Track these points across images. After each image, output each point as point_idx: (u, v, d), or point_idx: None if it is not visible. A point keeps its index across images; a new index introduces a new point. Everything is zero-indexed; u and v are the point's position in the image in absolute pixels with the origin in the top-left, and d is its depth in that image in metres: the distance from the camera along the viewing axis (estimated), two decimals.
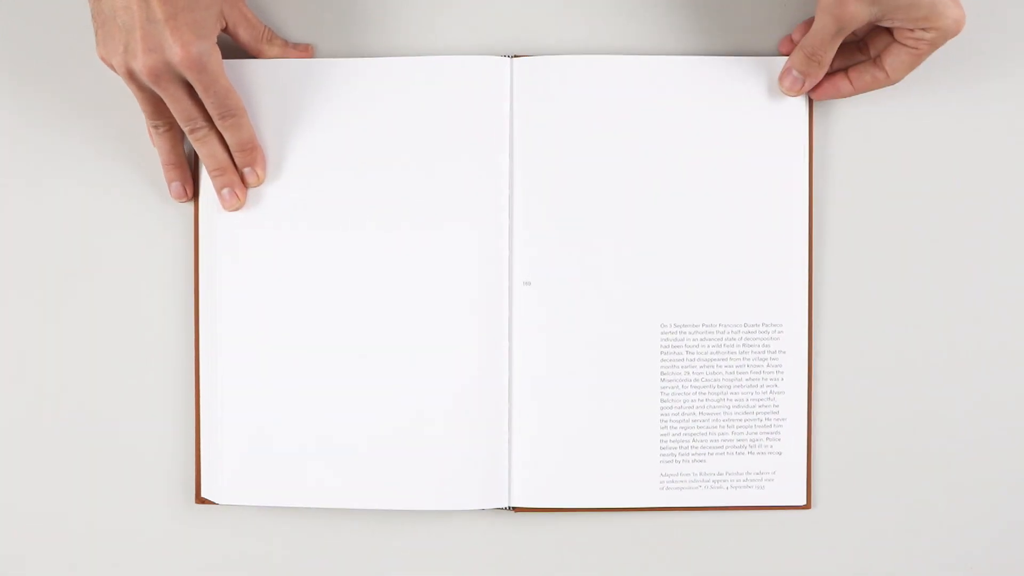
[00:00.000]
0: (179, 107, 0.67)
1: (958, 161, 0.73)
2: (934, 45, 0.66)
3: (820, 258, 0.72)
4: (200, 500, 0.72)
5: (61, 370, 0.73)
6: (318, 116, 0.71)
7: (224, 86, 0.67)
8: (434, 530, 0.73)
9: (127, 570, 0.74)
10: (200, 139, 0.69)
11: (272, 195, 0.71)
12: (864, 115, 0.72)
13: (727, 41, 0.72)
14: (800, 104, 0.71)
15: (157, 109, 0.68)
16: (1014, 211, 0.73)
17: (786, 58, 0.70)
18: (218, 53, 0.66)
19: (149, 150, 0.73)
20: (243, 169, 0.70)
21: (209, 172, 0.70)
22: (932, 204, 0.73)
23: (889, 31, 0.67)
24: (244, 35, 0.70)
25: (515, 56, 0.71)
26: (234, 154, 0.69)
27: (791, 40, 0.71)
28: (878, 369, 0.73)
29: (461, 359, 0.71)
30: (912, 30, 0.65)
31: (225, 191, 0.70)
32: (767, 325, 0.71)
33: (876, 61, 0.68)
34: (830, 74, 0.70)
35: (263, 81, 0.71)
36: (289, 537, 0.73)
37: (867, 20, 0.65)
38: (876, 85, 0.69)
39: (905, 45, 0.66)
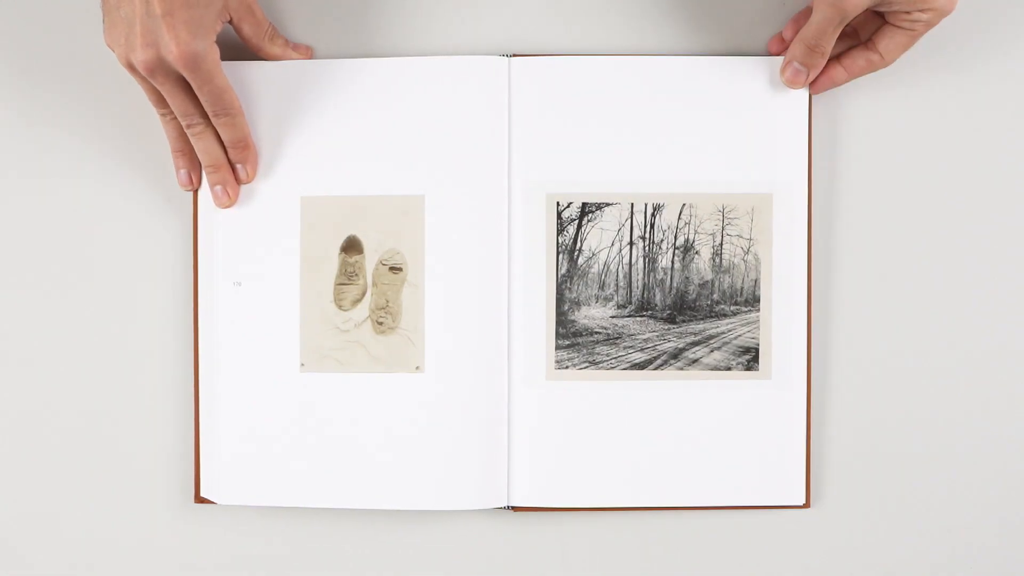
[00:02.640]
0: (176, 102, 0.67)
1: (960, 158, 0.72)
2: (929, 25, 0.66)
3: (819, 257, 0.72)
4: (199, 499, 0.72)
5: (61, 370, 0.73)
6: (317, 116, 0.71)
7: (219, 84, 0.67)
8: (434, 530, 0.73)
9: (126, 569, 0.74)
10: (196, 135, 0.69)
11: (271, 194, 0.71)
12: (864, 115, 0.72)
13: (725, 41, 0.72)
14: (800, 103, 0.71)
15: (161, 98, 0.68)
16: (1015, 207, 0.72)
17: (781, 57, 0.70)
18: (215, 52, 0.66)
19: (149, 149, 0.73)
20: (235, 165, 0.70)
21: (204, 168, 0.70)
22: (932, 202, 0.72)
23: (881, 14, 0.67)
24: (248, 30, 0.70)
25: (513, 56, 0.71)
26: (228, 151, 0.70)
27: (782, 38, 0.71)
28: (878, 369, 0.72)
29: (461, 358, 0.71)
30: (909, 12, 0.65)
31: (218, 188, 0.71)
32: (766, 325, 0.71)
33: (869, 44, 0.68)
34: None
35: (263, 82, 0.71)
36: (288, 536, 0.73)
37: (868, 6, 0.65)
38: (871, 68, 0.69)
39: (900, 27, 0.66)
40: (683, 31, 0.72)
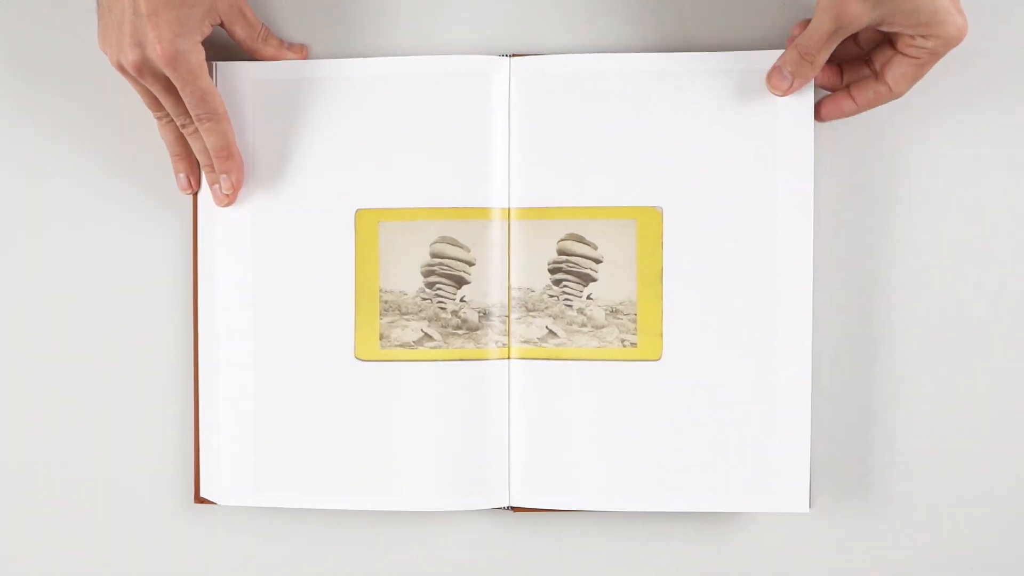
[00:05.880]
0: (168, 102, 0.67)
1: (963, 168, 0.72)
2: (935, 55, 0.64)
3: (822, 258, 0.72)
4: (199, 500, 0.72)
5: (61, 370, 0.73)
6: (314, 117, 0.71)
7: (202, 87, 0.66)
8: (434, 530, 0.73)
9: (126, 570, 0.74)
10: (191, 134, 0.69)
11: (270, 194, 0.71)
12: (872, 111, 0.72)
13: (727, 38, 0.71)
14: (805, 100, 0.70)
15: (155, 101, 0.68)
16: (1014, 218, 0.72)
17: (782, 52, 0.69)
18: (200, 52, 0.66)
19: (149, 148, 0.72)
20: (219, 176, 0.70)
21: (203, 167, 0.70)
22: (935, 209, 0.72)
23: (892, 43, 0.66)
24: (240, 32, 0.70)
25: (513, 55, 0.71)
26: (212, 159, 0.69)
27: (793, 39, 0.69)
28: (879, 371, 0.72)
29: (460, 359, 0.71)
30: (913, 37, 0.64)
31: (216, 187, 0.70)
32: (769, 328, 0.71)
33: (878, 75, 0.67)
34: (833, 94, 0.69)
35: (258, 82, 0.71)
36: (288, 537, 0.74)
37: (868, 23, 0.63)
38: (880, 100, 0.67)
39: (906, 55, 0.65)
40: (685, 30, 0.71)
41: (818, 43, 0.65)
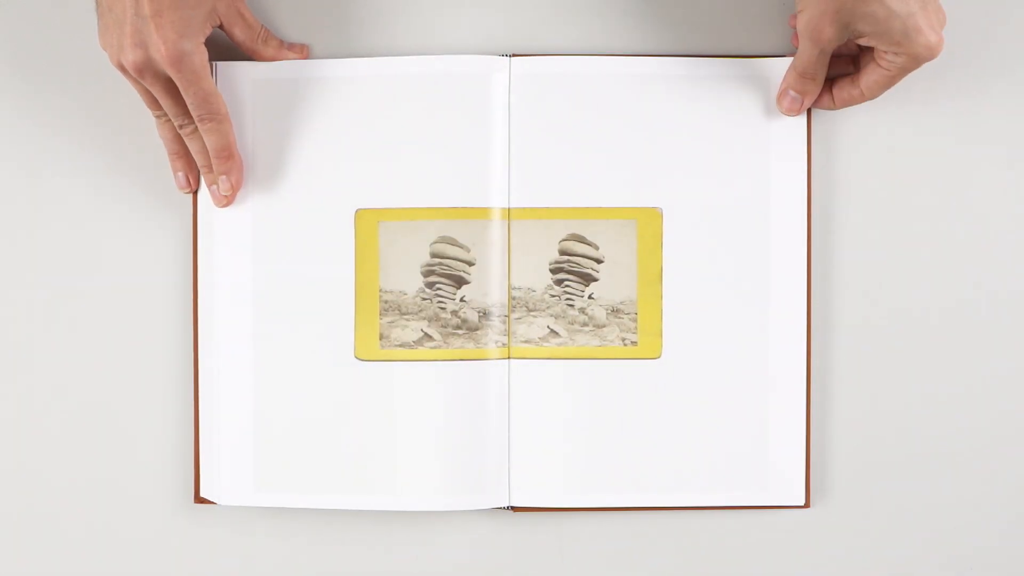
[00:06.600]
0: (167, 103, 0.67)
1: (959, 168, 0.72)
2: (905, 69, 0.66)
3: (819, 257, 0.72)
4: (199, 500, 0.72)
5: (60, 369, 0.73)
6: (314, 116, 0.71)
7: (205, 88, 0.66)
8: (434, 530, 0.73)
9: (126, 570, 0.74)
10: (188, 135, 0.69)
11: (269, 194, 0.71)
12: (865, 114, 0.72)
13: (727, 42, 0.72)
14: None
15: (155, 100, 0.68)
16: (1011, 218, 0.72)
17: (780, 59, 0.70)
18: (203, 54, 0.66)
19: (149, 148, 0.72)
20: (218, 176, 0.70)
21: (200, 167, 0.70)
22: (931, 207, 0.72)
23: (871, 49, 0.67)
24: (240, 34, 0.70)
25: (513, 55, 0.71)
26: (212, 159, 0.69)
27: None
28: (877, 369, 0.72)
29: (460, 359, 0.71)
30: (886, 52, 0.65)
31: (214, 187, 0.70)
32: (766, 327, 0.71)
33: (855, 77, 0.68)
34: None
35: (258, 82, 0.71)
36: (288, 537, 0.73)
37: (847, 38, 0.65)
38: (853, 101, 0.69)
39: (880, 65, 0.66)
40: (684, 32, 0.72)
41: (810, 63, 0.67)
